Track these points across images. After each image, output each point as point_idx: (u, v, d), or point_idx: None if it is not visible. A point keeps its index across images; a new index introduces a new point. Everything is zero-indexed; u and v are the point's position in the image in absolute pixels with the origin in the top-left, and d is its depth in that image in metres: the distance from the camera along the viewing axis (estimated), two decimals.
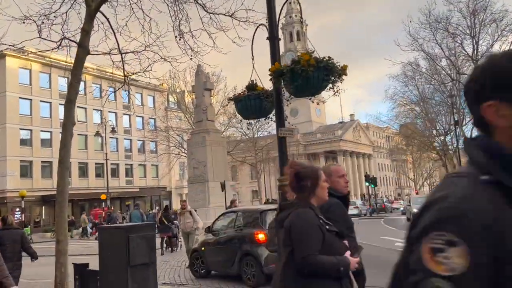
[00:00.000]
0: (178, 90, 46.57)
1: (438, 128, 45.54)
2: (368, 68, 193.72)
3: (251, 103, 5.19)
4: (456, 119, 30.15)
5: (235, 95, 5.44)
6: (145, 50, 9.20)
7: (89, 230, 33.05)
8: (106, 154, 36.02)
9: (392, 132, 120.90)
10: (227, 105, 6.37)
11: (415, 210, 21.71)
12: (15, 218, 38.93)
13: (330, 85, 4.31)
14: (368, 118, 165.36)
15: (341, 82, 4.35)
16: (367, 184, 35.14)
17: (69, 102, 8.11)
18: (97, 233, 29.46)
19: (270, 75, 4.51)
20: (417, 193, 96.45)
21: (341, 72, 4.26)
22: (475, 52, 25.08)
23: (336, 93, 4.39)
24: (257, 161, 47.66)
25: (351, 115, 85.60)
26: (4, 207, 38.57)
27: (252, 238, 8.76)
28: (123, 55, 9.63)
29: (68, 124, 8.06)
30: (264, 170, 54.54)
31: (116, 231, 5.44)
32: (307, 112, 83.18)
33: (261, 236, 8.64)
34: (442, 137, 45.34)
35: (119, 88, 10.41)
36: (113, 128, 35.12)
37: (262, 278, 8.58)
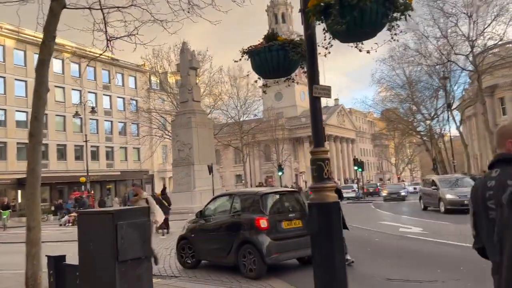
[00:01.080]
0: (160, 71, 44.85)
1: (424, 112, 45.14)
2: (351, 56, 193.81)
3: (273, 55, 4.10)
4: (448, 102, 29.54)
5: (251, 47, 4.33)
6: (132, 5, 7.93)
7: None
8: (86, 135, 34.34)
9: (374, 117, 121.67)
10: (240, 59, 5.21)
11: (450, 196, 17.68)
12: None
13: (389, 24, 3.25)
14: (354, 102, 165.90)
15: (405, 20, 3.28)
16: (355, 168, 34.44)
17: (41, 63, 6.83)
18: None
19: (307, 11, 3.41)
20: (399, 178, 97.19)
21: (405, 6, 3.20)
22: (472, 32, 24.33)
23: (393, 37, 3.34)
24: (242, 144, 46.58)
25: (336, 99, 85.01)
26: None
27: (252, 225, 7.84)
28: (106, 13, 8.33)
29: (40, 90, 6.81)
30: (249, 154, 53.65)
31: (100, 217, 4.27)
32: (291, 96, 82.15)
33: (263, 223, 7.75)
34: (428, 122, 44.94)
35: (100, 54, 9.10)
36: (92, 108, 33.43)
37: (263, 269, 7.65)
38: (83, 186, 41.67)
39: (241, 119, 45.69)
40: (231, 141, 46.95)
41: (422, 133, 49.38)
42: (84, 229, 4.29)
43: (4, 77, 39.83)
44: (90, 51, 47.77)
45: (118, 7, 7.94)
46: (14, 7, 8.29)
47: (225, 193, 10.39)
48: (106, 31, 9.03)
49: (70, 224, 24.69)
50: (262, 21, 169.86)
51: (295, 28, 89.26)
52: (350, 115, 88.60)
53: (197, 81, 33.17)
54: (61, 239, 15.75)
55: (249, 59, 4.40)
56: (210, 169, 24.78)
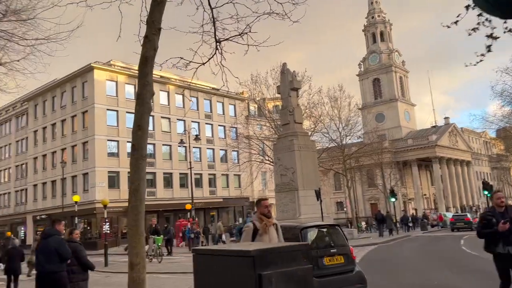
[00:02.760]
0: (258, 97, 44.35)
1: None
2: (454, 74, 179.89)
3: None
4: None
5: None
6: None
7: (224, 238, 32.12)
8: (190, 162, 34.65)
9: (490, 138, 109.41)
10: None
11: None
12: (104, 230, 39.12)
13: None
14: (472, 119, 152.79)
15: None
16: (485, 192, 29.50)
17: (145, 61, 5.68)
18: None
19: None
20: None
21: None
22: None
23: None
24: (345, 169, 43.71)
25: (446, 118, 77.74)
26: (93, 217, 38.97)
27: None
28: (214, 6, 7.14)
29: (144, 93, 5.63)
30: (353, 180, 50.29)
31: (230, 261, 2.54)
32: (395, 116, 77.10)
33: None
34: None
35: (209, 59, 7.89)
36: (196, 135, 33.72)
37: None
38: (188, 213, 42.25)
39: (344, 142, 43.05)
40: (333, 165, 44.35)
41: None
42: (203, 279, 2.65)
43: (117, 111, 42.59)
44: (194, 84, 49.31)
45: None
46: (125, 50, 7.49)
47: None
48: (215, 31, 7.85)
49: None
50: (358, 44, 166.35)
51: (395, 45, 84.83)
52: (462, 135, 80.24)
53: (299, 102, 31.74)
54: (175, 271, 14.85)
55: None
56: (318, 195, 22.71)
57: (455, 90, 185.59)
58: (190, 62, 7.85)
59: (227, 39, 7.98)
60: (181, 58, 7.74)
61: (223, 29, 7.84)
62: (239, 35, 7.90)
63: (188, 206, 32.01)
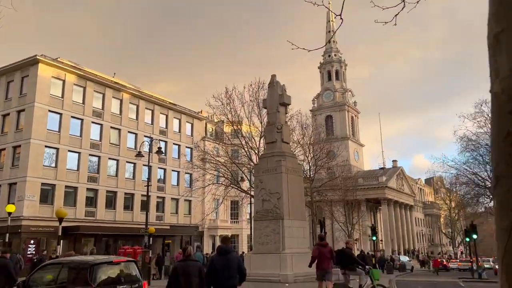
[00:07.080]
0: (227, 116, 40.71)
1: None
2: (387, 123, 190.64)
3: None
4: None
5: None
6: None
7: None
8: (149, 179, 29.54)
9: (423, 184, 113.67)
10: None
11: None
12: (28, 252, 32.19)
13: None
14: (433, 161, 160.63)
15: None
16: (474, 236, 27.39)
17: None
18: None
19: None
20: (462, 252, 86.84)
21: None
22: None
23: None
24: (313, 202, 40.83)
25: (394, 161, 78.91)
26: (17, 238, 31.95)
27: None
28: None
29: None
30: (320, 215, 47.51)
31: None
32: (345, 155, 76.62)
33: None
34: None
35: None
36: (159, 149, 29.00)
37: None
38: (129, 240, 36.60)
39: (312, 174, 40.33)
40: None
41: None
42: None
43: (61, 114, 36.54)
44: (148, 95, 44.24)
45: None
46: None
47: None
48: None
49: None
50: (312, 79, 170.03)
51: (349, 85, 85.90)
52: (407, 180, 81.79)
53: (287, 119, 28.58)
54: None
55: None
56: (322, 224, 19.08)
57: (387, 139, 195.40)
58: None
59: None
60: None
61: None
62: None
63: (152, 230, 26.61)
